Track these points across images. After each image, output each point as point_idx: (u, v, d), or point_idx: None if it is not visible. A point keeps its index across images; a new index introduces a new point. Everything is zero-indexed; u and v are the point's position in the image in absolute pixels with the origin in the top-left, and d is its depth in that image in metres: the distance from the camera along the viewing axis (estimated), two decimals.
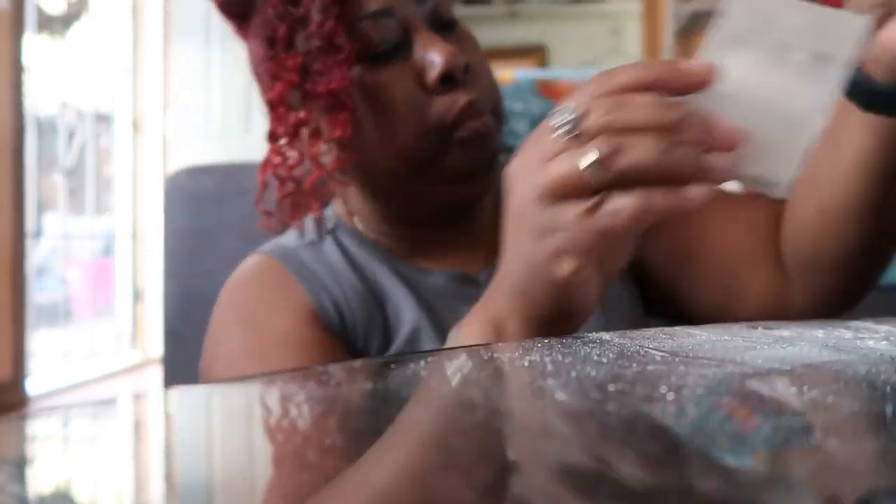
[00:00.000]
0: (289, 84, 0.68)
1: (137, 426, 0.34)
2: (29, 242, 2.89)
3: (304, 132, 0.70)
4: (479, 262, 0.73)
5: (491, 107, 0.69)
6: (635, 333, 0.37)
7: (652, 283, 0.77)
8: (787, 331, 0.36)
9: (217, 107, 3.52)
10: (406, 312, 0.70)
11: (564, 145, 0.44)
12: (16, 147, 2.76)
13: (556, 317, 0.49)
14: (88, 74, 3.60)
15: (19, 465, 0.28)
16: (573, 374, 0.32)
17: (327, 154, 0.69)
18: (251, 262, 0.75)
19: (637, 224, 0.43)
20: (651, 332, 0.38)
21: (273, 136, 0.72)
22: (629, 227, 0.43)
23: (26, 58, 2.86)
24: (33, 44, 3.14)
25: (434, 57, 0.66)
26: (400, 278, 0.71)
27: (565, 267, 0.45)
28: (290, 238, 0.75)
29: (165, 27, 3.76)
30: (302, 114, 0.69)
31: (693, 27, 3.84)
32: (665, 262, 0.76)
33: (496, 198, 0.75)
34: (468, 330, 0.54)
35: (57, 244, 3.57)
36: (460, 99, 0.66)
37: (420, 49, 0.66)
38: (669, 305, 0.77)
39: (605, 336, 0.37)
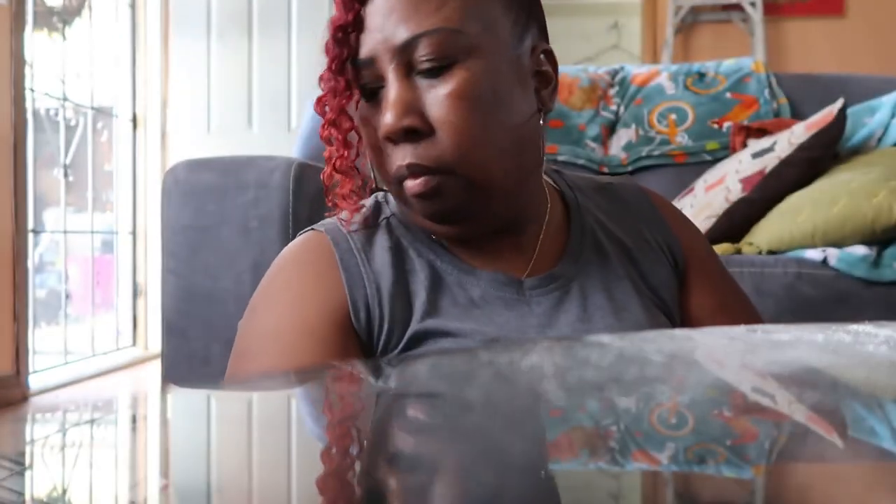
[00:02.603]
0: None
1: (134, 427, 0.34)
2: (29, 238, 2.89)
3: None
4: (525, 267, 0.77)
5: (452, 165, 0.69)
6: (635, 336, 0.37)
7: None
8: (786, 335, 0.36)
9: (217, 102, 3.52)
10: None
11: None
12: (16, 142, 2.76)
13: None
14: (88, 69, 3.59)
15: (19, 462, 0.28)
16: (572, 376, 0.32)
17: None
18: (307, 238, 0.79)
19: None
20: (651, 334, 0.38)
21: (326, 141, 0.76)
22: None
23: (26, 52, 2.86)
24: (33, 39, 3.13)
25: (385, 115, 0.69)
26: (437, 275, 0.75)
27: None
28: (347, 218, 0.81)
29: (165, 22, 3.75)
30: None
31: (693, 22, 3.83)
32: (696, 313, 0.84)
33: (543, 208, 0.80)
34: None
35: (57, 240, 3.57)
36: (400, 158, 0.70)
37: (384, 101, 0.70)
38: None
39: (605, 339, 0.37)
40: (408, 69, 0.69)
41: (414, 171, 0.69)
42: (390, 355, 0.71)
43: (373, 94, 0.71)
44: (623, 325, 0.72)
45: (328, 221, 0.79)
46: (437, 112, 0.69)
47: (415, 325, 0.72)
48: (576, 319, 0.73)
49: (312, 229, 0.79)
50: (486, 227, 0.75)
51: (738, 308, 0.86)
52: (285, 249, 0.79)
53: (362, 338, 0.72)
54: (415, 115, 0.68)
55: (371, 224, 0.78)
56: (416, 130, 0.68)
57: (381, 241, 0.76)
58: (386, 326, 0.72)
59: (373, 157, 0.73)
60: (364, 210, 0.79)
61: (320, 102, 0.74)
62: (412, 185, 0.70)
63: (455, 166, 0.69)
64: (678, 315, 0.82)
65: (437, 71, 0.69)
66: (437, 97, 0.69)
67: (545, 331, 0.72)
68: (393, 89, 0.69)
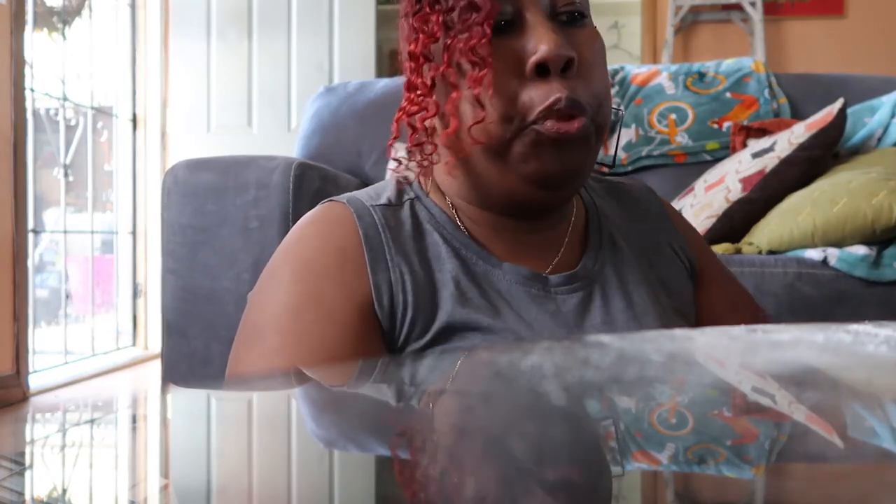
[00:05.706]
0: (431, 38, 0.68)
1: (134, 427, 0.34)
2: (29, 238, 2.89)
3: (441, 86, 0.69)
4: (547, 265, 0.74)
5: (592, 112, 0.67)
6: (635, 336, 0.37)
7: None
8: (786, 335, 0.36)
9: (217, 102, 3.51)
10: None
11: None
12: (16, 142, 2.76)
13: None
14: (88, 69, 3.59)
15: (19, 462, 0.28)
16: (572, 376, 0.32)
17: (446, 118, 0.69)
18: (328, 208, 0.73)
19: None
20: (652, 334, 0.38)
21: (410, 87, 0.71)
22: None
23: (26, 52, 2.86)
24: (33, 39, 3.13)
25: (536, 43, 0.65)
26: (465, 265, 0.71)
27: None
28: (370, 194, 0.75)
29: (165, 22, 3.75)
30: (442, 67, 0.68)
31: (693, 22, 3.83)
32: (710, 312, 0.83)
33: (572, 206, 0.77)
34: None
35: (57, 239, 3.57)
36: (556, 92, 0.65)
37: (528, 32, 0.67)
38: None
39: (605, 339, 0.37)
40: (549, 11, 0.68)
41: (571, 104, 0.65)
42: (413, 346, 0.67)
43: (501, 29, 0.67)
44: (642, 329, 0.70)
45: (348, 194, 0.74)
46: (585, 55, 0.68)
47: (443, 318, 0.67)
48: (601, 322, 0.71)
49: (332, 200, 0.74)
50: (567, 198, 0.73)
51: (744, 304, 0.86)
52: (303, 219, 0.74)
53: (384, 325, 0.67)
54: (571, 49, 0.66)
55: (395, 202, 0.73)
56: (573, 64, 0.66)
57: (405, 223, 0.72)
58: (409, 315, 0.67)
59: (500, 93, 0.67)
60: (387, 186, 0.75)
61: (427, 39, 0.68)
62: (561, 126, 0.65)
63: (597, 110, 0.68)
64: (693, 317, 0.81)
65: (573, 22, 0.69)
66: (580, 42, 0.68)
67: (573, 332, 0.69)
68: (542, 23, 0.66)
